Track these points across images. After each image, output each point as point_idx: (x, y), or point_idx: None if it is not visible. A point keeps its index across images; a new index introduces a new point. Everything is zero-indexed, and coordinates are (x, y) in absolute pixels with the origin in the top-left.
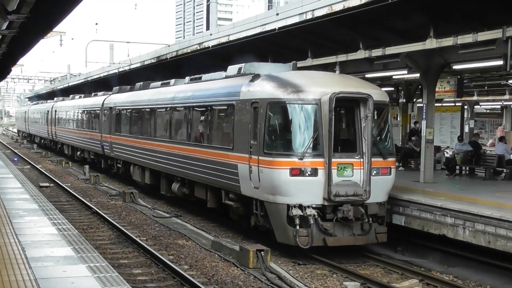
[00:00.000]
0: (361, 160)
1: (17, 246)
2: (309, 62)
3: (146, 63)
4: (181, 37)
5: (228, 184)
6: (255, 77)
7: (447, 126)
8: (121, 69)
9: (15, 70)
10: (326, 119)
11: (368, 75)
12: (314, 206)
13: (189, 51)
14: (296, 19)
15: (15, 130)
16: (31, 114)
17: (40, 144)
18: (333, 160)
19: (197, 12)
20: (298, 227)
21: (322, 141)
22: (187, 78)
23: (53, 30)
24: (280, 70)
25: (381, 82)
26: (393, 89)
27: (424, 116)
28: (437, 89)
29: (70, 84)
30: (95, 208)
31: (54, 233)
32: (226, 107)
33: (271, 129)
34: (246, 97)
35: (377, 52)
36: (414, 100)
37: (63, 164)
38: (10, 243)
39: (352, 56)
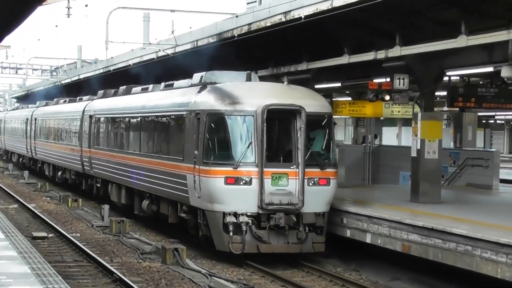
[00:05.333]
0: (296, 170)
1: None
2: (462, 41)
3: (200, 43)
4: (255, 1)
5: (180, 196)
6: (203, 87)
7: None
8: (161, 53)
9: None
10: (260, 130)
11: None
12: (249, 214)
13: (268, 24)
14: None
15: None
16: (8, 124)
17: (18, 165)
18: (268, 169)
19: None
20: (231, 234)
21: (256, 151)
22: (163, 84)
23: None
24: (242, 79)
25: None
26: None
27: None
28: None
29: (81, 76)
30: (119, 274)
31: None
32: (179, 118)
33: (210, 139)
34: (192, 108)
35: None
36: None
37: (68, 202)
38: None
39: None
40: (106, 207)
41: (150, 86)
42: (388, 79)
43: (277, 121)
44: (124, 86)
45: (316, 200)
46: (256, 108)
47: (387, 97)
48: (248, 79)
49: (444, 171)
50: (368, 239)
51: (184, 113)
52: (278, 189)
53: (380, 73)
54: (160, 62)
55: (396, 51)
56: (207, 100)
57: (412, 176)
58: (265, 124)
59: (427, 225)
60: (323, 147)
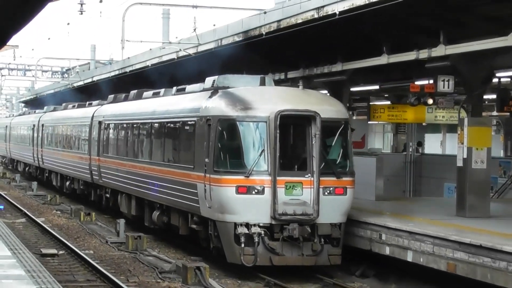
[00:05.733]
0: (311, 179)
1: None
2: None
3: (224, 42)
4: None
5: (191, 206)
6: (214, 92)
7: None
8: (181, 53)
9: (4, 55)
10: (272, 136)
11: None
12: (261, 224)
13: (299, 21)
14: None
15: None
16: (14, 130)
17: (24, 174)
18: (281, 178)
19: None
20: (243, 245)
21: (269, 159)
22: (174, 89)
23: None
24: (256, 84)
25: None
26: None
27: None
28: None
29: (94, 78)
30: None
31: None
32: (190, 124)
33: (220, 146)
34: (203, 114)
35: None
36: None
37: (81, 216)
38: None
39: None
40: (121, 221)
41: (162, 91)
42: (431, 81)
43: (292, 128)
44: (135, 91)
45: (332, 210)
46: (269, 113)
47: (430, 101)
48: (262, 83)
49: (494, 182)
50: (410, 257)
51: (195, 119)
52: (292, 199)
53: (423, 75)
54: (180, 63)
55: (441, 50)
56: (218, 106)
57: (458, 188)
58: (278, 131)
59: (475, 242)
60: (340, 155)
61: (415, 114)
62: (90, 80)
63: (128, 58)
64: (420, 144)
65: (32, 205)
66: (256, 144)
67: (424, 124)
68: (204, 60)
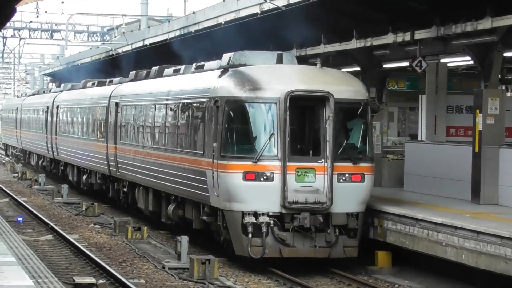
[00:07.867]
0: (325, 164)
1: None
2: None
3: None
4: None
5: (201, 195)
6: (224, 71)
7: None
8: (267, 6)
9: (24, 11)
10: (282, 119)
11: None
12: (270, 213)
13: None
14: None
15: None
16: (25, 114)
17: (38, 169)
18: (292, 164)
19: None
20: (251, 236)
21: (279, 143)
22: (194, 66)
23: None
24: (273, 61)
25: None
26: None
27: None
28: None
29: (146, 42)
30: None
31: None
32: (200, 106)
33: (227, 130)
34: (212, 95)
35: None
36: None
37: (128, 232)
38: None
39: None
40: (184, 239)
41: (182, 68)
42: None
43: (306, 110)
44: (157, 67)
45: (348, 198)
46: (280, 94)
47: None
48: (279, 60)
49: None
50: None
51: (205, 100)
52: (303, 186)
53: None
54: (265, 19)
55: None
56: (226, 86)
57: None
58: (287, 113)
59: None
60: (358, 139)
61: None
62: (140, 43)
63: (193, 13)
64: None
65: (61, 216)
66: (265, 127)
67: None
68: (296, 16)
